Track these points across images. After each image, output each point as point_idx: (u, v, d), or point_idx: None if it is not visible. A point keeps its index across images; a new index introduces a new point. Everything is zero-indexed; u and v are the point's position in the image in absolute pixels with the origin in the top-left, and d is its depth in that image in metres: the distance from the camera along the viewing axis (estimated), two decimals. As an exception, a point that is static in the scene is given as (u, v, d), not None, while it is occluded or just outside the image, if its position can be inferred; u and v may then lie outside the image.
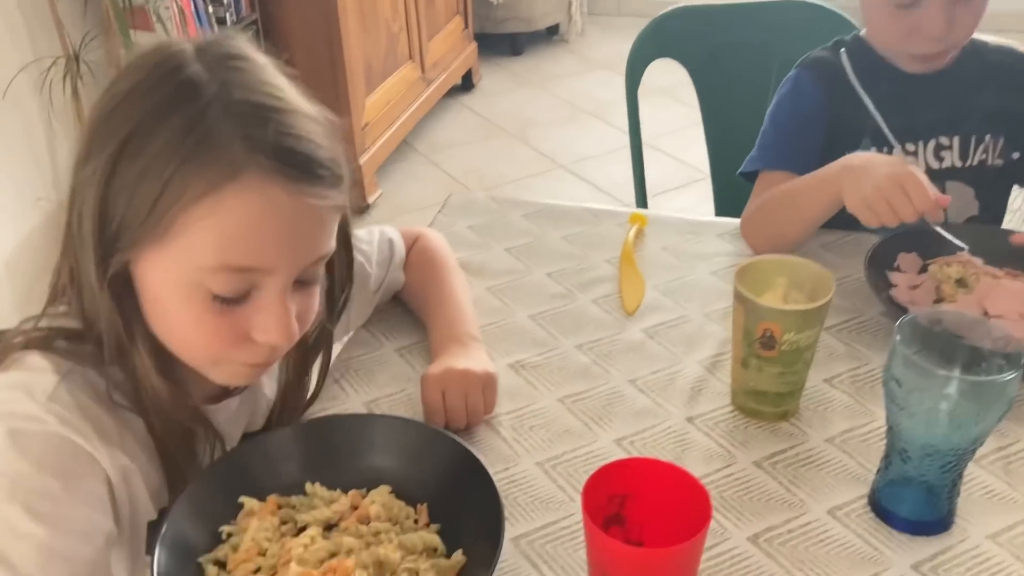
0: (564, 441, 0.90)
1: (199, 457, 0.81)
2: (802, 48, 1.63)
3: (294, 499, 0.80)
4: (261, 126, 0.68)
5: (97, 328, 0.73)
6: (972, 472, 0.84)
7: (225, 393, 0.87)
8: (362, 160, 2.93)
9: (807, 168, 1.16)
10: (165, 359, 0.76)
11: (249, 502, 0.77)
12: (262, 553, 0.73)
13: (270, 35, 2.73)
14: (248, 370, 0.78)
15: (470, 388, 0.90)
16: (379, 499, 0.78)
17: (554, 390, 0.97)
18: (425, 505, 0.80)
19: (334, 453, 0.83)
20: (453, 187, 3.03)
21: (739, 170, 1.28)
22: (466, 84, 3.91)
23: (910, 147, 1.21)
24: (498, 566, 0.73)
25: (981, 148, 1.23)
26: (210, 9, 2.50)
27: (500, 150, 3.44)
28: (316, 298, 0.80)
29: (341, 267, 0.90)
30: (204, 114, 0.67)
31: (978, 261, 1.06)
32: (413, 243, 1.09)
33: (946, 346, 0.77)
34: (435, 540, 0.76)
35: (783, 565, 0.77)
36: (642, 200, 1.72)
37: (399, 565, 0.72)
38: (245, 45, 0.74)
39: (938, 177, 1.19)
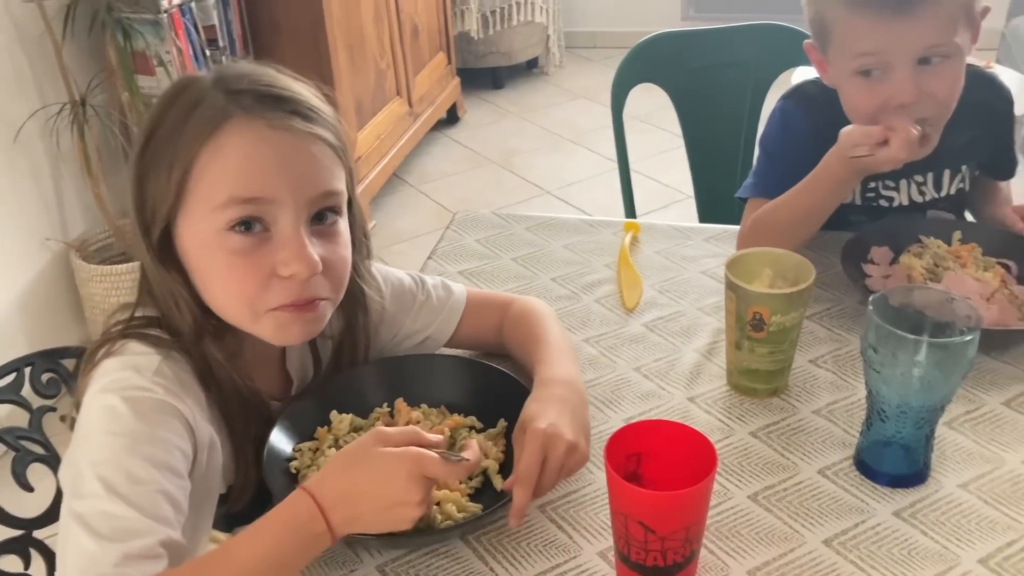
0: (578, 423, 1.00)
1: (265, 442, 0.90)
2: (776, 67, 1.77)
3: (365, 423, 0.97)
4: (239, 82, 0.83)
5: (172, 319, 0.84)
6: (944, 433, 0.95)
7: (286, 393, 0.96)
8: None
9: None
10: (231, 348, 0.87)
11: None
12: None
13: (264, 75, 2.84)
14: (290, 317, 0.83)
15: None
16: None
17: (566, 379, 1.07)
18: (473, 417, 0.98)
19: (398, 387, 0.99)
20: (444, 216, 3.13)
21: (736, 193, 1.31)
22: (451, 117, 4.04)
23: (889, 189, 1.27)
24: (526, 530, 0.82)
25: (958, 179, 1.29)
26: (207, 52, 2.62)
27: (487, 179, 3.56)
28: (343, 248, 0.87)
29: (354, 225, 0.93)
30: (199, 92, 0.82)
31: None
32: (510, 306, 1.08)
33: (915, 322, 0.87)
34: (473, 420, 0.97)
35: (780, 517, 0.87)
36: (631, 215, 1.83)
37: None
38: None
39: (920, 208, 1.27)
